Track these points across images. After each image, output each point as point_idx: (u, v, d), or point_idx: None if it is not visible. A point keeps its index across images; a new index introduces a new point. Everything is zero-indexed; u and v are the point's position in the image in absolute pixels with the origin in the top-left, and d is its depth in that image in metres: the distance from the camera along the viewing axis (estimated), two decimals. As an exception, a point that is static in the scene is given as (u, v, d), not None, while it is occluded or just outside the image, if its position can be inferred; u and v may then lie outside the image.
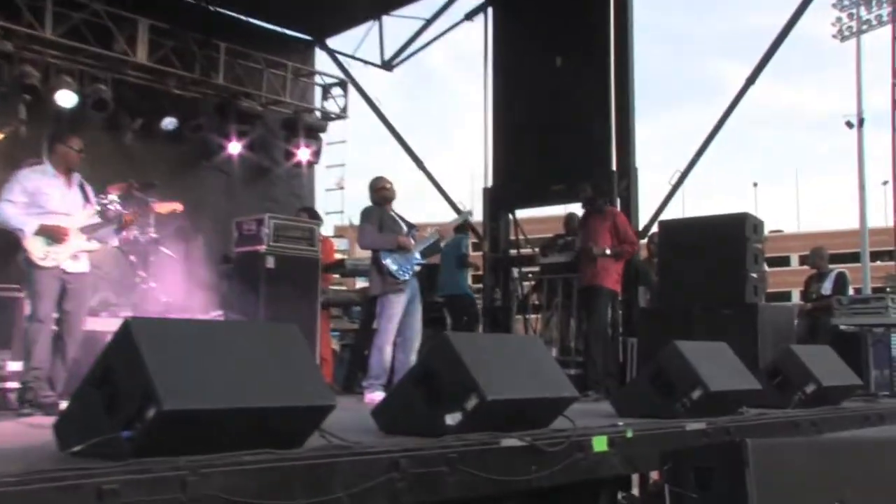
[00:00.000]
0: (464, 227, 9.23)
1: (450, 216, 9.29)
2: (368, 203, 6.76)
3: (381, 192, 6.71)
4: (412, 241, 6.62)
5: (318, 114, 12.10)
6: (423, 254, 6.71)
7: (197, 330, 3.19)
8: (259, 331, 3.47)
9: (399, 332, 6.45)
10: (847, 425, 5.33)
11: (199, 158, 10.76)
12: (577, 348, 8.47)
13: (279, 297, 6.93)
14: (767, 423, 4.93)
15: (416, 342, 6.52)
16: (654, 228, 8.72)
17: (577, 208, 10.50)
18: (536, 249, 9.60)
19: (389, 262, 6.43)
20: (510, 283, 9.80)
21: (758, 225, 7.59)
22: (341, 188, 15.87)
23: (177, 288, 6.99)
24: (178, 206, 5.90)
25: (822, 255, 9.21)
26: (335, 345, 10.22)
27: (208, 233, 9.04)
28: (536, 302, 9.34)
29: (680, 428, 4.31)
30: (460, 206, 8.59)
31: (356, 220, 6.85)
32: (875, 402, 6.72)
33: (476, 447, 3.36)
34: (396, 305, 6.41)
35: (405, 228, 6.69)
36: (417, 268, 6.56)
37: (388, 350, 6.40)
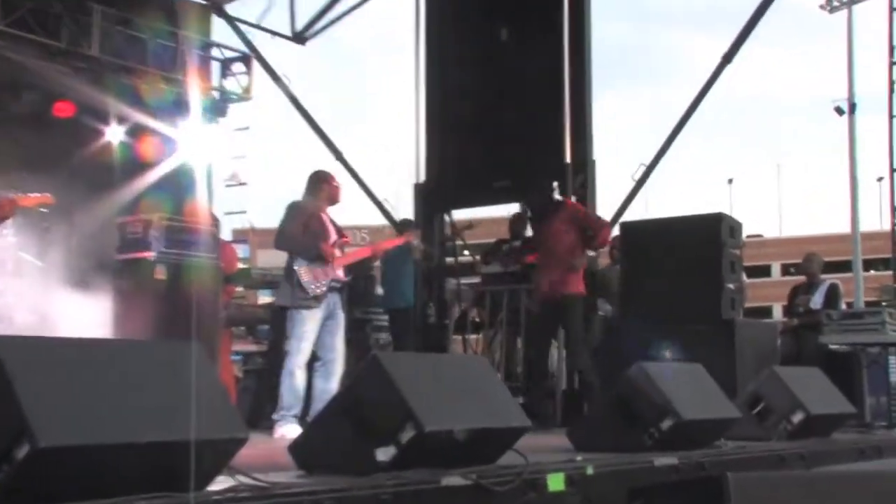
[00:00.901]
0: (400, 229, 9.29)
1: (374, 217, 9.33)
2: (295, 199, 6.79)
3: (324, 188, 6.74)
4: (337, 253, 6.65)
5: (215, 94, 12.01)
6: (348, 270, 6.76)
7: (77, 351, 3.14)
8: (152, 352, 3.45)
9: (317, 354, 6.46)
10: (840, 459, 5.46)
11: (69, 147, 10.57)
12: (528, 372, 8.57)
13: (171, 313, 6.90)
14: (748, 456, 5.02)
15: (338, 366, 6.55)
16: (616, 231, 8.88)
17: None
18: (477, 257, 9.68)
19: (302, 272, 6.44)
20: (446, 297, 9.86)
21: (735, 228, 7.81)
22: (242, 184, 15.74)
23: (44, 302, 6.88)
24: (47, 198, 5.82)
25: (816, 261, 9.39)
26: (238, 370, 10.14)
27: (83, 237, 8.90)
28: (477, 319, 9.45)
29: (648, 463, 4.38)
30: (391, 211, 8.61)
31: (260, 222, 6.84)
32: (870, 433, 6.94)
33: (412, 486, 3.38)
34: (309, 322, 6.42)
35: (333, 237, 6.73)
36: (336, 284, 6.59)
37: (301, 375, 6.40)
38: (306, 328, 6.43)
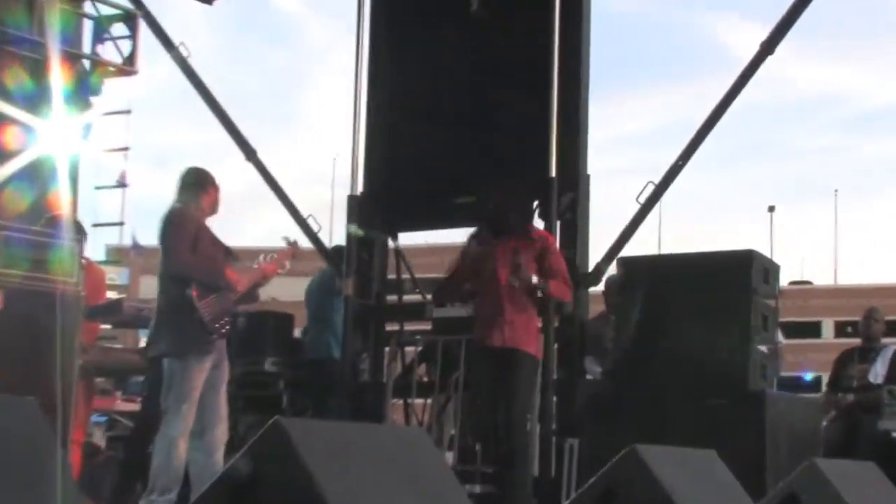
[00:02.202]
0: (338, 268, 9.32)
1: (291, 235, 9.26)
2: (175, 203, 6.76)
3: (205, 191, 6.74)
4: (239, 279, 6.66)
5: (86, 64, 11.96)
6: (240, 300, 6.77)
7: None
8: None
9: (196, 416, 6.43)
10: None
11: None
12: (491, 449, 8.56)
13: (8, 355, 6.85)
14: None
15: (222, 432, 6.52)
16: (613, 269, 8.94)
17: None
18: (428, 296, 9.68)
19: (207, 306, 6.41)
20: (385, 347, 9.84)
21: (770, 270, 7.87)
22: (123, 185, 15.65)
23: None
24: None
25: (876, 318, 9.45)
26: (100, 437, 10.05)
27: None
28: (425, 378, 9.43)
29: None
30: (285, 236, 8.55)
31: (143, 238, 6.82)
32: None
33: None
34: (198, 374, 6.40)
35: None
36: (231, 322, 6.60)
37: (184, 447, 6.37)
38: (195, 382, 6.41)
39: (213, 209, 6.88)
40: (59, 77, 10.62)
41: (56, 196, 10.48)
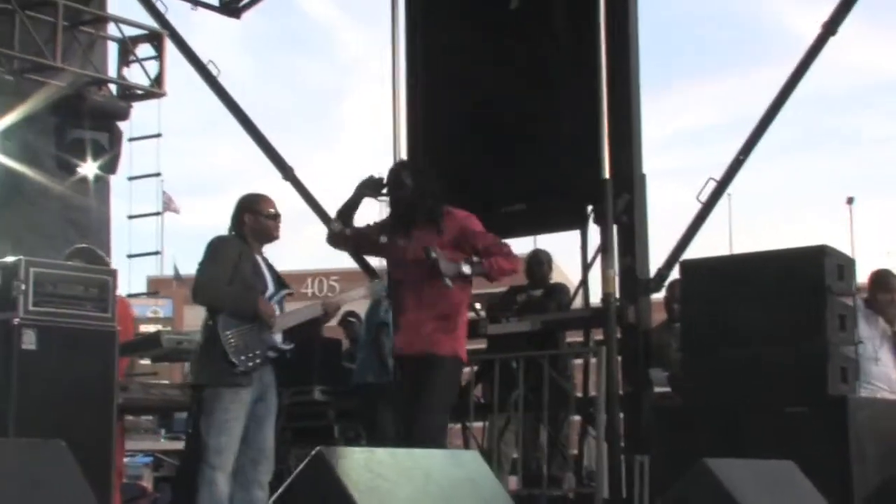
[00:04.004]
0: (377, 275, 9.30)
1: (338, 258, 9.31)
2: (220, 233, 6.80)
3: (258, 218, 6.76)
4: (277, 311, 6.65)
5: (113, 88, 12.06)
6: (289, 334, 6.74)
7: None
8: (7, 453, 3.50)
9: (240, 451, 6.43)
10: None
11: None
12: (553, 474, 8.51)
13: (44, 397, 6.86)
14: None
15: (266, 467, 6.56)
16: (676, 274, 8.87)
17: (547, 242, 10.68)
18: (482, 312, 9.67)
19: (230, 337, 6.43)
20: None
21: (845, 266, 7.75)
22: (158, 213, 15.79)
23: None
24: None
25: None
26: (147, 478, 10.10)
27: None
28: (482, 400, 9.41)
29: None
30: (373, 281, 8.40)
31: (185, 267, 6.86)
32: None
33: None
34: (233, 407, 6.40)
35: (271, 287, 6.77)
36: (273, 354, 6.58)
37: (225, 483, 6.38)
38: (230, 415, 6.40)
39: (263, 236, 6.86)
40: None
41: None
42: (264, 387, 6.59)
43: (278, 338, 6.66)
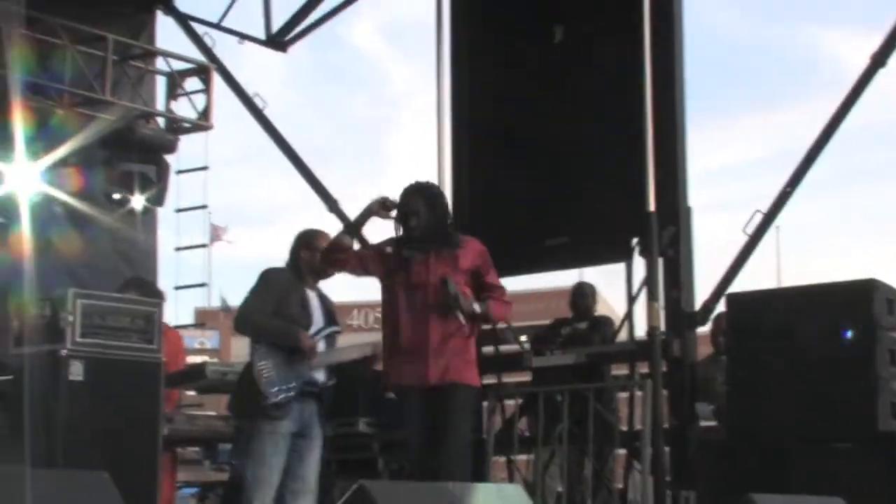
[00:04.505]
0: None
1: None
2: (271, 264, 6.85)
3: (314, 253, 6.77)
4: (320, 347, 6.65)
5: (161, 121, 12.15)
6: (333, 371, 6.74)
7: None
8: (53, 484, 3.51)
9: (281, 483, 6.43)
10: None
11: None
12: None
13: (91, 428, 6.90)
14: None
15: (307, 500, 6.56)
16: (722, 307, 8.81)
17: (592, 275, 10.63)
18: (526, 345, 9.61)
19: (263, 368, 6.44)
20: (482, 401, 9.79)
21: (895, 300, 7.69)
22: (205, 245, 15.86)
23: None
24: None
25: None
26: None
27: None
28: (526, 432, 9.36)
29: None
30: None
31: (232, 299, 6.89)
32: None
33: None
34: (270, 439, 6.40)
35: (320, 323, 6.78)
36: (310, 389, 6.58)
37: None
38: (266, 448, 6.40)
39: (312, 272, 6.88)
40: (19, 118, 10.68)
41: (17, 239, 10.61)
42: (305, 421, 6.57)
43: (319, 374, 6.66)
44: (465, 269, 6.69)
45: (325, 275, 6.91)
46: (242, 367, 6.81)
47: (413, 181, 6.90)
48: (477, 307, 6.62)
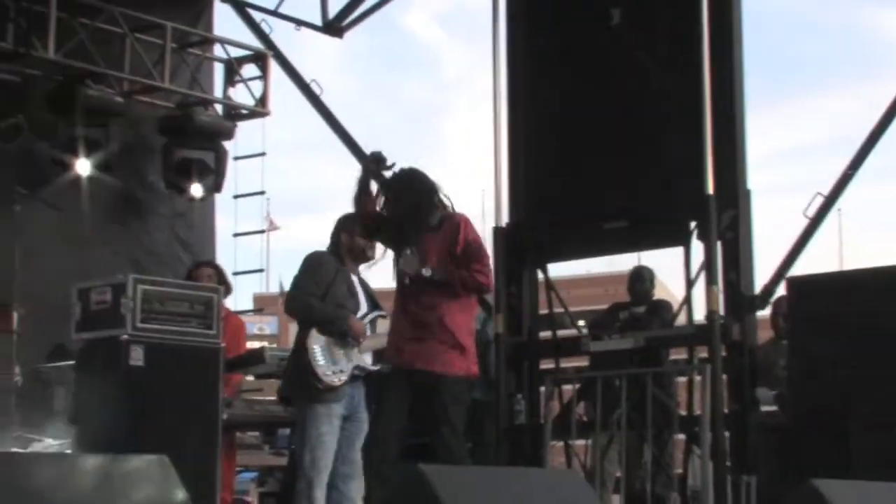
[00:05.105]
0: (485, 303, 9.34)
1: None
2: (317, 249, 6.86)
3: (353, 238, 6.82)
4: (368, 331, 6.68)
5: (219, 108, 12.22)
6: (378, 355, 6.77)
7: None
8: (117, 469, 3.61)
9: (332, 467, 6.49)
10: None
11: (18, 183, 10.81)
12: (657, 494, 8.42)
13: (151, 412, 7.01)
14: None
15: (358, 484, 6.65)
16: (782, 291, 8.74)
17: (650, 259, 10.58)
18: (584, 329, 9.57)
19: (318, 353, 6.48)
20: (540, 387, 9.78)
21: (963, 282, 7.62)
22: (262, 231, 15.92)
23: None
24: None
25: None
26: (252, 494, 10.16)
27: (29, 307, 9.04)
28: (584, 417, 9.35)
29: None
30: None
31: (288, 283, 6.90)
32: None
33: None
34: (325, 420, 6.43)
35: (365, 307, 6.78)
36: (359, 373, 6.61)
37: (321, 495, 6.41)
38: (322, 430, 6.43)
39: (352, 256, 6.91)
40: (80, 107, 10.81)
41: (79, 227, 10.73)
42: (354, 405, 6.63)
43: (367, 357, 6.70)
44: (444, 244, 6.60)
45: (365, 258, 6.92)
46: (293, 348, 6.84)
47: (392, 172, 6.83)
48: (426, 271, 6.51)
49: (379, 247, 6.92)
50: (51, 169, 11.02)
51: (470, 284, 6.60)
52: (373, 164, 6.93)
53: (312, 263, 6.78)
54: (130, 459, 4.51)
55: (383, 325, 6.99)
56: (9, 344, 8.52)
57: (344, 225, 6.91)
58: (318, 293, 6.66)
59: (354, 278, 6.86)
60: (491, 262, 6.85)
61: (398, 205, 6.73)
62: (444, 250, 6.57)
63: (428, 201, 6.76)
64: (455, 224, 6.67)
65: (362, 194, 6.83)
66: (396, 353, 6.61)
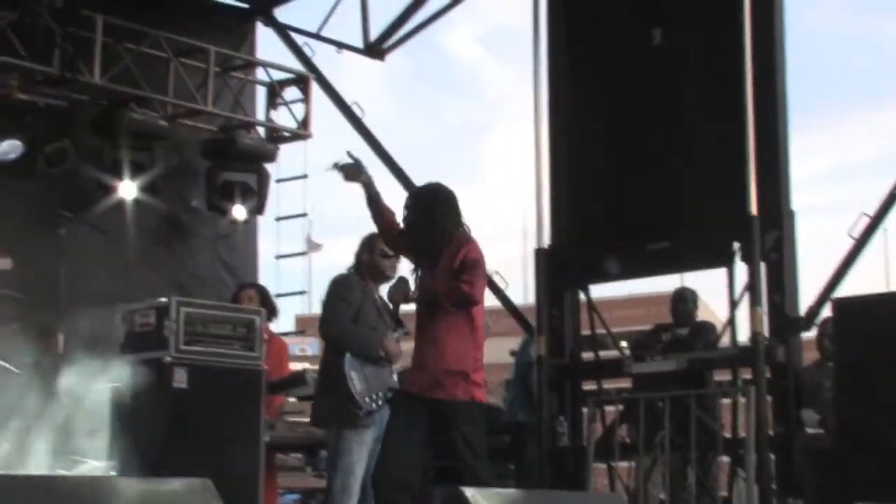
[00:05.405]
0: (527, 325, 9.33)
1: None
2: (341, 272, 6.87)
3: (374, 256, 6.82)
4: (401, 351, 6.70)
5: (261, 131, 12.25)
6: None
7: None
8: (156, 491, 3.66)
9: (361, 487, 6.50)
10: None
11: (63, 207, 10.86)
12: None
13: (194, 435, 6.99)
14: None
15: None
16: (827, 312, 8.67)
17: (693, 280, 10.52)
18: (626, 350, 9.55)
19: (355, 378, 6.48)
20: (583, 408, 9.74)
21: None
22: (304, 253, 15.92)
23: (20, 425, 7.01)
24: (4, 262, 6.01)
25: None
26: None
27: (74, 330, 9.06)
28: (627, 439, 9.29)
29: None
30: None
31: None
32: None
33: None
34: (357, 448, 6.46)
35: (390, 326, 6.77)
36: (391, 395, 6.62)
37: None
38: (354, 457, 6.45)
39: (372, 274, 6.92)
40: (124, 131, 10.85)
41: (123, 250, 10.78)
42: (383, 426, 6.60)
43: (395, 377, 6.72)
44: (447, 269, 6.33)
45: (385, 278, 6.92)
46: (321, 373, 6.87)
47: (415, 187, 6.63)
48: (412, 294, 6.36)
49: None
50: (95, 192, 11.08)
51: (454, 295, 6.28)
52: (345, 172, 6.60)
53: (340, 287, 6.80)
54: (173, 482, 4.50)
55: (406, 342, 6.98)
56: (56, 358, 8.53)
57: (365, 244, 6.93)
58: (351, 317, 6.66)
59: (377, 297, 6.87)
60: (481, 279, 6.45)
61: (419, 222, 6.45)
62: (446, 270, 6.34)
63: (452, 225, 6.49)
64: (459, 244, 6.42)
65: (377, 215, 6.58)
66: (404, 377, 6.60)
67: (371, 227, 6.65)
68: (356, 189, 6.50)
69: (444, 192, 6.56)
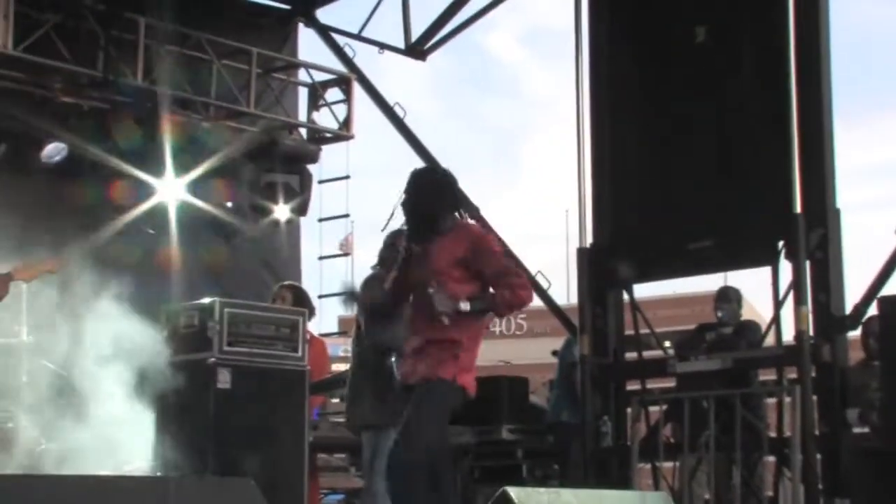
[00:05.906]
0: (570, 324, 9.30)
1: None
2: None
3: (392, 253, 6.78)
4: None
5: (303, 132, 12.27)
6: None
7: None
8: (202, 493, 3.49)
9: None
10: None
11: (106, 208, 10.92)
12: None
13: (237, 435, 7.01)
14: None
15: None
16: (873, 311, 8.57)
17: (736, 279, 10.47)
18: (670, 350, 9.53)
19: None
20: (626, 408, 9.69)
21: None
22: (346, 254, 15.94)
23: (72, 428, 7.05)
24: (51, 265, 6.02)
25: None
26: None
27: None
28: (672, 439, 9.25)
29: None
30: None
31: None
32: None
33: None
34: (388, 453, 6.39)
35: None
36: None
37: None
38: (385, 460, 6.39)
39: None
40: (168, 132, 10.82)
41: (166, 250, 10.80)
42: None
43: None
44: (454, 259, 6.12)
45: None
46: (357, 372, 6.84)
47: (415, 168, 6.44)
48: (464, 305, 6.00)
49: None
50: (139, 193, 11.12)
51: (515, 304, 6.11)
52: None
53: (374, 286, 6.78)
54: (217, 482, 4.51)
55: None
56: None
57: (386, 241, 6.93)
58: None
59: None
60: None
61: (414, 199, 6.24)
62: (451, 256, 6.11)
63: (451, 206, 6.35)
64: (471, 236, 6.25)
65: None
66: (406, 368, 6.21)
67: (396, 224, 6.66)
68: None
69: (438, 175, 6.48)
